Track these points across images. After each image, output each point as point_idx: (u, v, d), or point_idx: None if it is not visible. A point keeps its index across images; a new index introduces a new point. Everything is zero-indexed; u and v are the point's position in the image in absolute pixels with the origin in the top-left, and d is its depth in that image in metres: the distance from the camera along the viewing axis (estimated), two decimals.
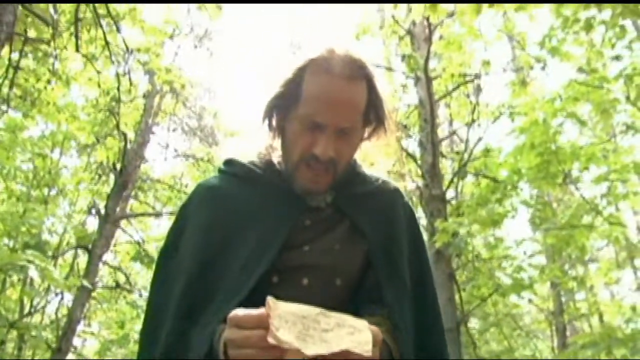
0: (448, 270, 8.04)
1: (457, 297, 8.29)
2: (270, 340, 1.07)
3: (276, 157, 1.56)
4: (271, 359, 1.10)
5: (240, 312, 1.16)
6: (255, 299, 1.24)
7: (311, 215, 1.51)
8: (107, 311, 14.02)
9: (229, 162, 1.63)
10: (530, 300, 11.46)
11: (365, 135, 1.53)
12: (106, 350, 14.71)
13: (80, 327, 12.57)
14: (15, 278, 10.30)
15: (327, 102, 1.37)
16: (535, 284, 10.90)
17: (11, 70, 6.48)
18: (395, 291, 1.48)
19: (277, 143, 1.53)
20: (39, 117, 10.98)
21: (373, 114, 1.48)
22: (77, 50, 6.05)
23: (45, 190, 12.08)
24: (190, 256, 1.46)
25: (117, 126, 9.57)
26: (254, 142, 1.61)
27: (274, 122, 1.49)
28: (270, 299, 1.13)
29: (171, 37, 9.63)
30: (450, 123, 11.73)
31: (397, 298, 1.47)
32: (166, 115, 13.79)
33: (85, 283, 8.14)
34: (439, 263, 7.96)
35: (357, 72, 1.41)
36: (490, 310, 10.45)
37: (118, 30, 6.44)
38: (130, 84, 8.38)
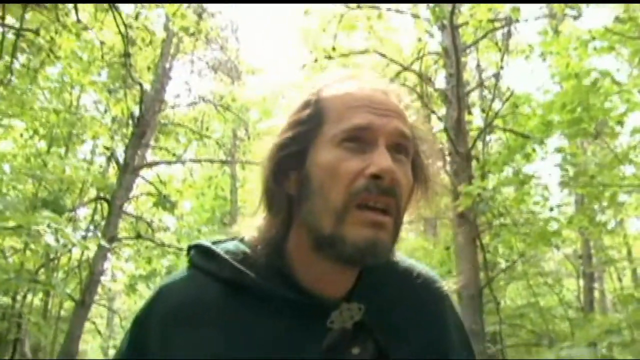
0: (472, 234, 7.74)
1: (481, 258, 8.03)
2: None
3: (273, 244, 1.06)
4: None
5: None
6: None
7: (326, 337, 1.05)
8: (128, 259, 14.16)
9: (206, 255, 1.09)
10: (557, 247, 11.20)
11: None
12: (134, 286, 14.87)
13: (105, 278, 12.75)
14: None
15: (368, 103, 1.01)
16: (563, 230, 10.66)
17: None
18: None
19: (279, 221, 1.06)
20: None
21: (417, 166, 1.08)
22: (78, 20, 5.72)
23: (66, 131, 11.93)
24: None
25: (131, 76, 9.26)
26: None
27: (283, 188, 1.05)
28: None
29: None
30: (480, 75, 11.20)
31: None
32: (186, 54, 13.36)
33: (103, 243, 8.03)
34: (463, 227, 7.70)
35: (394, 91, 1.08)
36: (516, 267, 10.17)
37: None
38: (125, 39, 7.95)
